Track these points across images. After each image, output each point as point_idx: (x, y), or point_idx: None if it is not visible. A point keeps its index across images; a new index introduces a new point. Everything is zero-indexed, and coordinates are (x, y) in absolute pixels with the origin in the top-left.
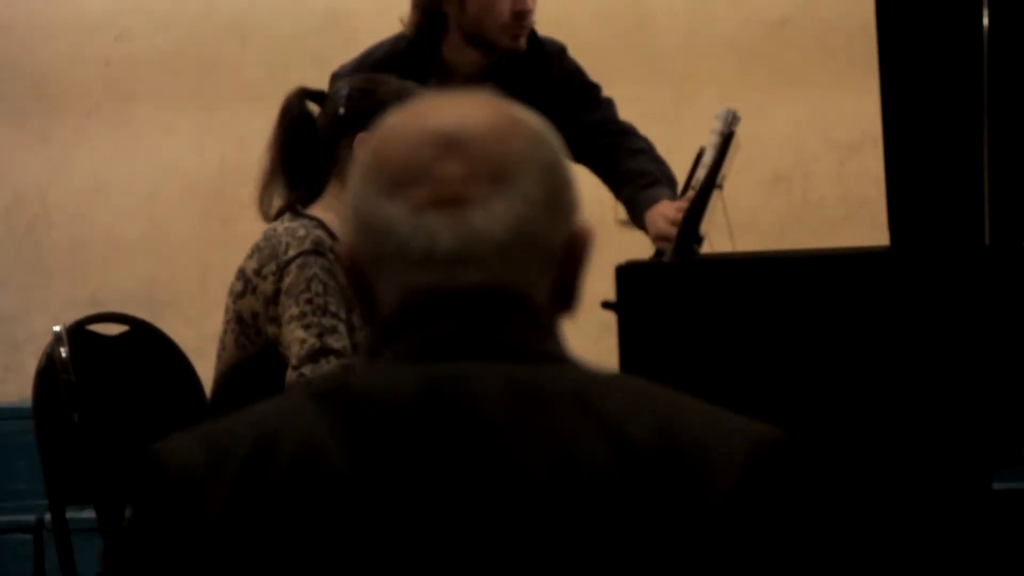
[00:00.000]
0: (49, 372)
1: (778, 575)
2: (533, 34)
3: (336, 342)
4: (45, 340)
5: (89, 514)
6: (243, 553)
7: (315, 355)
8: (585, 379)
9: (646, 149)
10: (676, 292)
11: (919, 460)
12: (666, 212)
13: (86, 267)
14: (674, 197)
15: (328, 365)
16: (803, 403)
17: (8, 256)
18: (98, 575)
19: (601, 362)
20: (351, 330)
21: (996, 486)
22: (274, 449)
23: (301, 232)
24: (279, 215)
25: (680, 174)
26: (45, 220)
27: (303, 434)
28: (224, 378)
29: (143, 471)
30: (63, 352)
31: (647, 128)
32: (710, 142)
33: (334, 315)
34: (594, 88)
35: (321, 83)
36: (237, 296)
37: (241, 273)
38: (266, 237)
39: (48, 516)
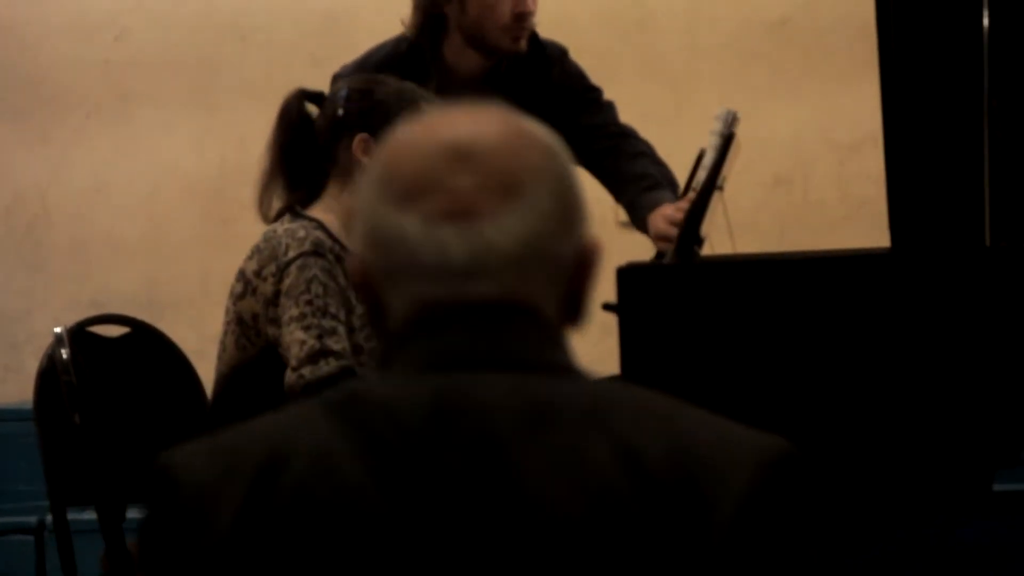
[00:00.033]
0: (50, 373)
1: None
2: (534, 36)
3: (336, 344)
4: (45, 341)
5: (90, 515)
6: (256, 565)
7: (314, 356)
8: (595, 392)
9: (647, 152)
10: (677, 294)
11: (919, 461)
12: (666, 212)
13: (86, 267)
14: (675, 200)
15: (327, 366)
16: (804, 404)
17: (8, 256)
18: None
19: (602, 364)
20: (350, 331)
21: (996, 487)
22: (287, 460)
23: (301, 233)
24: (278, 216)
25: (680, 175)
26: (45, 220)
27: (316, 445)
28: (224, 379)
29: (154, 482)
30: (64, 353)
31: (647, 129)
32: (710, 143)
33: (334, 316)
34: (595, 91)
35: (321, 84)
36: (237, 297)
37: (241, 274)
38: (266, 238)
39: (49, 517)
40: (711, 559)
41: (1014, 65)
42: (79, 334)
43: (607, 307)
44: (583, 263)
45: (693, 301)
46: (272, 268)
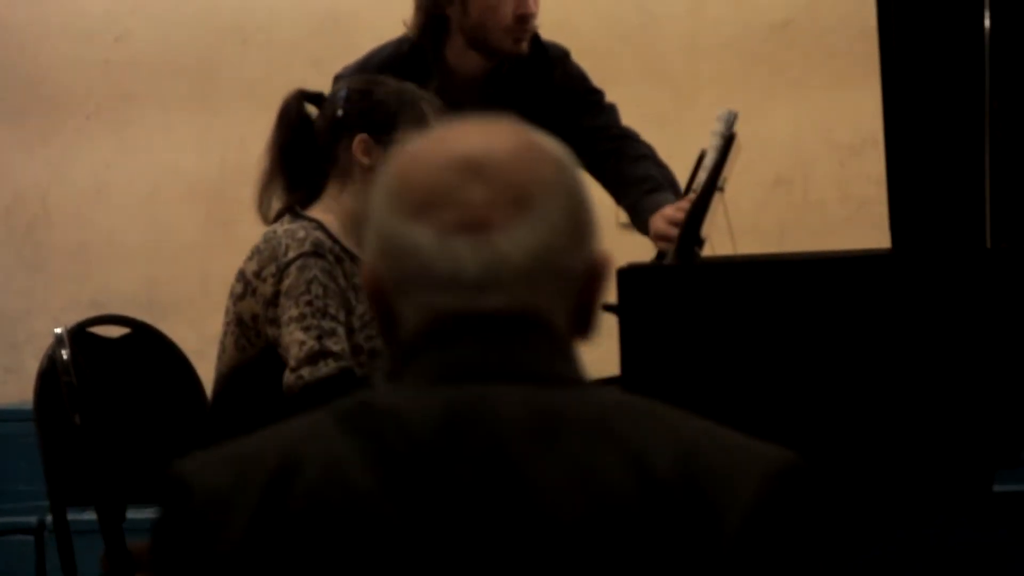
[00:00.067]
0: (50, 374)
1: None
2: (536, 38)
3: (335, 344)
4: (46, 341)
5: (90, 515)
6: (267, 573)
7: (314, 357)
8: (605, 404)
9: (649, 155)
10: (677, 295)
11: (919, 461)
12: (667, 213)
13: (86, 268)
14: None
15: (326, 367)
16: (805, 405)
17: (8, 257)
18: None
19: (602, 365)
20: (350, 332)
21: (996, 487)
22: (299, 470)
23: (301, 234)
24: (278, 217)
25: (681, 176)
26: (45, 221)
27: (328, 456)
28: (224, 380)
29: (168, 489)
30: (64, 354)
31: (648, 130)
32: (711, 144)
33: (333, 317)
34: (597, 93)
35: (321, 84)
36: (237, 298)
37: (241, 275)
38: (266, 239)
39: (49, 518)
40: (719, 569)
41: (1015, 66)
42: (79, 335)
43: (607, 308)
44: (593, 276)
45: (693, 302)
46: (272, 269)
